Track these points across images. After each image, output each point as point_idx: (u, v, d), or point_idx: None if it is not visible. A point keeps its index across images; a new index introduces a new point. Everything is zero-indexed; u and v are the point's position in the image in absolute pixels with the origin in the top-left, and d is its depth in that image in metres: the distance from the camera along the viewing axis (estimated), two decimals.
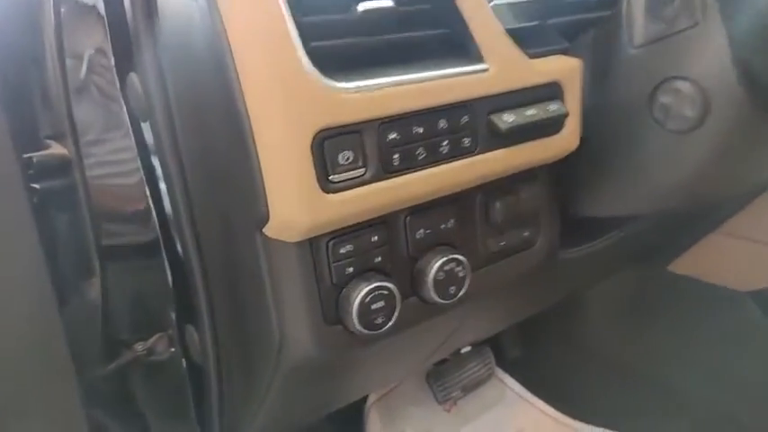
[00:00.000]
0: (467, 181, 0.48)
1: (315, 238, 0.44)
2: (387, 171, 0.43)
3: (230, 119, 0.40)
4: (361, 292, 0.45)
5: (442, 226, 0.49)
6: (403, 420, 1.00)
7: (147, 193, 0.50)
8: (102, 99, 0.53)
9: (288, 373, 0.49)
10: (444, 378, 0.95)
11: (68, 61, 0.54)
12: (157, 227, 0.52)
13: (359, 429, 0.99)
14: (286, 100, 0.38)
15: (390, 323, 0.47)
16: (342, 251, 0.45)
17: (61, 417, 0.53)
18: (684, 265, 0.95)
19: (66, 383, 0.52)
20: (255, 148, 0.40)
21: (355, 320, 0.45)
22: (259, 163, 0.40)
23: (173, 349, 0.58)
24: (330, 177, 0.41)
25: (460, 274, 0.49)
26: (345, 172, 0.41)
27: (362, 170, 0.42)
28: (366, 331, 0.46)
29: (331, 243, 0.45)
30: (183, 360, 0.55)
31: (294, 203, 0.40)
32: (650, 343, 1.01)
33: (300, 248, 0.44)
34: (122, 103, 0.49)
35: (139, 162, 0.50)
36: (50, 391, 0.52)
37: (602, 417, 0.99)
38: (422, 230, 0.48)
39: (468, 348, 0.89)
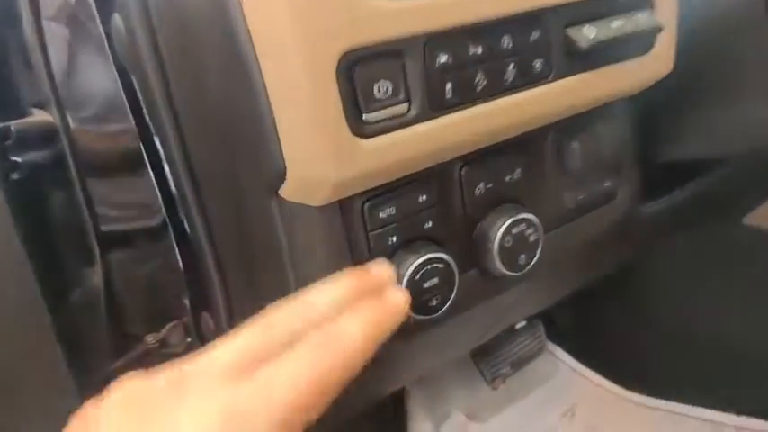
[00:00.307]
0: (539, 117, 0.37)
1: (346, 199, 0.34)
2: (436, 107, 0.32)
3: (230, 50, 0.30)
4: (410, 267, 0.35)
5: (507, 178, 0.39)
6: (446, 402, 0.91)
7: (147, 161, 0.41)
8: (85, 52, 0.44)
9: None
10: (491, 355, 0.85)
11: (45, 13, 0.45)
12: (161, 201, 0.42)
13: (398, 414, 0.90)
14: (300, 12, 0.28)
15: (447, 305, 0.37)
16: (381, 215, 0.35)
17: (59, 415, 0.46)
18: (762, 217, 0.83)
19: (60, 380, 0.45)
20: (264, 82, 0.30)
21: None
22: (269, 102, 0.30)
23: (189, 339, 0.50)
24: (363, 117, 0.31)
25: (532, 238, 0.39)
26: (383, 109, 0.31)
27: (405, 106, 0.32)
28: (417, 316, 0.36)
29: (367, 205, 0.34)
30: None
31: (317, 153, 0.30)
32: (720, 307, 0.91)
33: (327, 214, 0.34)
34: (108, 53, 0.39)
35: (134, 125, 0.40)
36: (44, 390, 0.45)
37: (664, 389, 0.89)
38: (482, 185, 0.38)
39: (522, 323, 0.79)
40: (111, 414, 0.24)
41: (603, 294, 1.04)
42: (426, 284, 0.35)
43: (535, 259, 0.40)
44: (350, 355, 0.26)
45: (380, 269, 0.32)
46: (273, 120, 0.30)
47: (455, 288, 0.37)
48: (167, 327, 0.53)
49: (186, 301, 0.47)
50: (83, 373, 0.45)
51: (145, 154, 0.41)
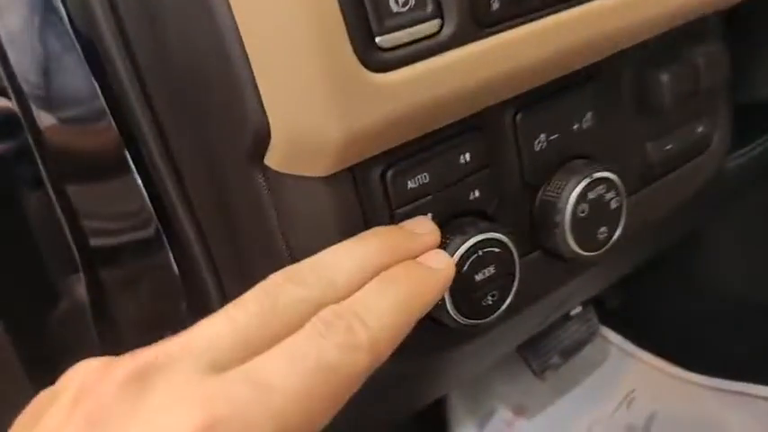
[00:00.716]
0: (616, 35, 0.27)
1: (359, 167, 0.24)
2: (480, 22, 0.22)
3: None
4: (455, 254, 0.25)
5: (576, 126, 0.29)
6: (491, 398, 0.85)
7: (128, 156, 0.33)
8: (39, 19, 0.35)
9: None
10: (539, 345, 0.75)
11: None
12: (143, 189, 0.34)
13: (437, 413, 0.82)
14: None
15: (507, 302, 0.27)
16: (411, 185, 0.25)
17: None
18: None
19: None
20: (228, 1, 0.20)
21: (448, 303, 0.25)
22: (236, 26, 0.20)
23: None
24: (376, 40, 0.21)
25: (614, 204, 0.29)
26: (404, 28, 0.21)
27: (436, 23, 0.22)
28: (468, 321, 0.26)
29: (390, 173, 0.25)
30: None
31: (310, 97, 0.20)
32: None
33: (335, 188, 0.24)
34: (65, 18, 0.30)
35: (103, 100, 0.31)
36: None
37: (727, 367, 0.81)
38: (543, 136, 0.28)
39: (578, 309, 0.69)
40: (57, 417, 0.18)
41: (654, 266, 0.96)
42: (478, 277, 0.25)
43: (618, 232, 0.30)
44: (375, 341, 0.19)
45: (420, 225, 0.25)
46: (243, 48, 0.20)
47: (516, 279, 0.27)
48: (165, 338, 0.45)
49: (184, 307, 0.40)
50: None
51: (126, 148, 0.32)
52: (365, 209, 0.25)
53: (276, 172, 0.24)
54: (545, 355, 0.77)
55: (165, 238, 0.35)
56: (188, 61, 0.24)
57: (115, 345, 0.43)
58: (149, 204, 0.34)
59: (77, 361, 0.23)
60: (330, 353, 0.18)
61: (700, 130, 0.33)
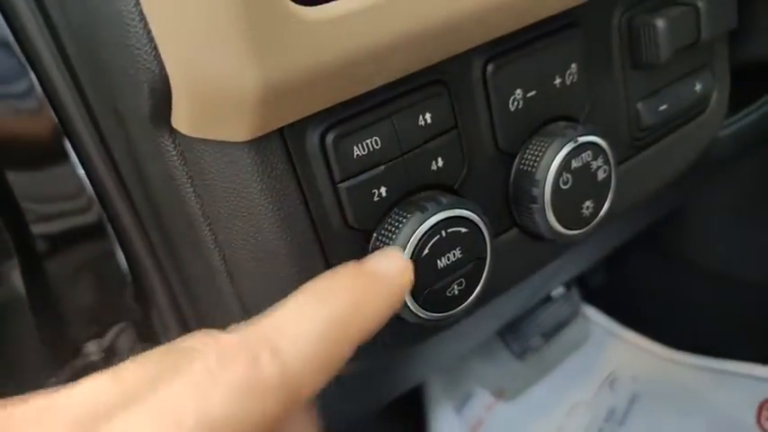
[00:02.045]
0: None
1: (291, 128, 0.19)
2: None
3: None
4: (413, 236, 0.20)
5: (557, 80, 0.24)
6: (469, 381, 0.83)
7: (51, 110, 0.28)
8: None
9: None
10: (519, 326, 0.72)
11: None
12: (76, 159, 0.29)
13: (415, 396, 0.79)
14: None
15: (476, 292, 0.23)
16: (357, 152, 0.20)
17: None
18: None
19: None
20: None
21: (406, 296, 0.21)
22: None
23: (144, 344, 0.38)
24: None
25: (601, 174, 0.24)
26: None
27: None
28: (430, 315, 0.22)
29: (331, 136, 0.20)
30: None
31: (221, 33, 0.16)
32: None
33: (261, 154, 0.19)
34: None
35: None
36: None
37: (711, 345, 0.80)
38: (519, 92, 0.23)
39: (560, 290, 0.65)
40: None
41: (637, 242, 0.94)
42: (441, 262, 0.21)
43: (606, 207, 0.25)
44: (290, 378, 0.14)
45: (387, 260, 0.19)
46: None
47: (487, 264, 0.22)
48: (113, 330, 0.41)
49: (131, 296, 0.36)
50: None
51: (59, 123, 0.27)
52: (301, 182, 0.20)
53: (188, 138, 0.19)
54: (525, 336, 0.74)
55: (107, 224, 0.31)
56: (86, 8, 0.19)
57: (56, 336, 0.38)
58: (89, 188, 0.29)
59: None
60: (216, 405, 0.13)
61: (698, 88, 0.29)
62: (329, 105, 0.19)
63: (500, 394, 0.78)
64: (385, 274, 0.18)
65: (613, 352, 0.86)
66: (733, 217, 0.88)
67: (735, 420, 0.77)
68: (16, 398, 0.15)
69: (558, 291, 0.66)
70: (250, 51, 0.16)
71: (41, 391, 0.15)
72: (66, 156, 0.28)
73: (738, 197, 0.86)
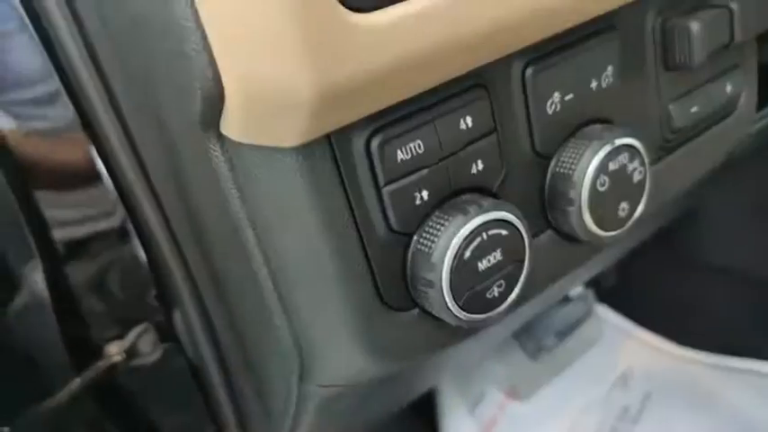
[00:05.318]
0: None
1: (338, 134, 0.20)
2: None
3: None
4: (454, 238, 0.21)
5: (594, 83, 0.24)
6: (482, 380, 0.82)
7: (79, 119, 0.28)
8: None
9: (321, 404, 0.26)
10: (534, 326, 0.72)
11: None
12: (103, 167, 0.29)
13: (428, 396, 0.80)
14: None
15: (515, 293, 0.23)
16: (401, 156, 0.21)
17: None
18: None
19: None
20: None
21: (447, 298, 0.21)
22: None
23: (166, 345, 0.39)
24: None
25: (637, 177, 0.25)
26: None
27: None
28: (471, 317, 0.22)
29: (376, 141, 0.20)
30: (184, 358, 0.35)
31: (277, 40, 0.16)
32: None
33: (310, 159, 0.19)
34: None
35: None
36: None
37: (724, 343, 0.80)
38: (557, 95, 0.23)
39: (578, 290, 0.65)
40: None
41: (651, 243, 0.95)
42: (482, 264, 0.21)
43: (640, 208, 0.25)
44: None
45: None
46: None
47: (525, 266, 0.23)
48: (134, 332, 0.41)
49: (153, 298, 0.36)
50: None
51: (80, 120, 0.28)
52: (345, 186, 0.20)
53: (236, 143, 0.19)
54: (539, 336, 0.74)
55: (131, 227, 0.32)
56: (129, 14, 0.19)
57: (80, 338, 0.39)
58: (114, 192, 0.30)
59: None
60: None
61: (728, 89, 0.29)
62: (376, 110, 0.19)
63: (513, 393, 0.78)
64: None
65: (626, 351, 0.86)
66: (746, 215, 0.88)
67: (748, 417, 0.77)
68: None
69: (575, 291, 0.66)
70: (306, 57, 0.16)
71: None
72: (92, 160, 0.28)
73: (751, 196, 0.86)
